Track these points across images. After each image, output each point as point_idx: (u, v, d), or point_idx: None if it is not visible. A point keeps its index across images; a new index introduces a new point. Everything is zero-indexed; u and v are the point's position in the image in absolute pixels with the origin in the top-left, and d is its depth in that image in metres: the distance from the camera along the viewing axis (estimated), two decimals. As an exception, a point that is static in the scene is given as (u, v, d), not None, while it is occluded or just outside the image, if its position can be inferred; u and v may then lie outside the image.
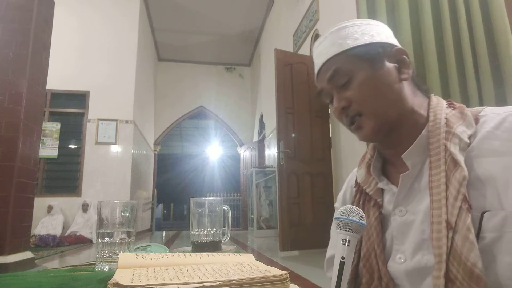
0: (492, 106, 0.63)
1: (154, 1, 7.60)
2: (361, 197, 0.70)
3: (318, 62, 0.70)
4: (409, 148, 0.61)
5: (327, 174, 4.33)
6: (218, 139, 14.36)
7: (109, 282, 0.40)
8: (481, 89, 2.16)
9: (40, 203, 5.36)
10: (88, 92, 6.59)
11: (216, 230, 0.85)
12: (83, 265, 0.74)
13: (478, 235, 0.51)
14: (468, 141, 0.57)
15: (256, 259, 0.58)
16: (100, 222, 0.69)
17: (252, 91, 10.15)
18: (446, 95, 2.32)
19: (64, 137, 6.41)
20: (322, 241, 4.16)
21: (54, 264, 3.62)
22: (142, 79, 7.57)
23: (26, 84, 2.91)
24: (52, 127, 6.28)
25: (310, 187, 4.21)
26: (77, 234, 5.68)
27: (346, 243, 0.51)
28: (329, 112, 4.49)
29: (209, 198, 0.89)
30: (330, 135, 4.44)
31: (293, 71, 4.40)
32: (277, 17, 7.31)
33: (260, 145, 8.80)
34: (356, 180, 0.74)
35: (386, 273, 0.61)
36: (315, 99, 4.44)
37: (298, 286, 0.45)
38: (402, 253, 0.60)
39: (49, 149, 6.16)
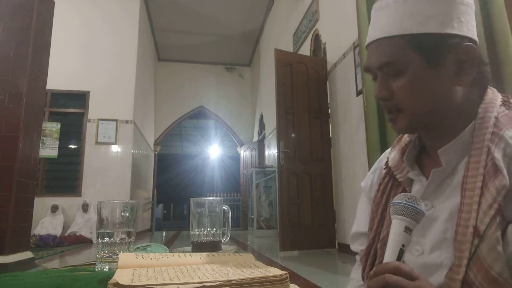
0: None
1: (154, 1, 7.60)
2: (390, 181, 0.68)
3: (373, 34, 0.63)
4: (448, 144, 0.58)
5: (327, 174, 4.33)
6: (218, 139, 14.35)
7: (109, 282, 0.40)
8: (481, 89, 2.16)
9: (40, 203, 5.36)
10: (88, 92, 6.59)
11: (216, 230, 0.85)
12: (83, 265, 0.74)
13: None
14: None
15: (256, 259, 0.58)
16: (100, 222, 0.69)
17: (252, 91, 10.16)
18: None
19: (64, 137, 6.40)
20: (321, 241, 4.16)
21: (54, 264, 3.62)
22: (142, 79, 7.57)
23: (26, 84, 2.91)
24: (52, 127, 6.28)
25: (310, 187, 4.21)
26: (77, 234, 5.68)
27: (409, 232, 0.51)
28: (329, 112, 4.49)
29: (209, 198, 0.89)
30: (330, 136, 4.45)
31: (293, 71, 4.40)
32: (277, 17, 7.31)
33: (260, 145, 8.80)
34: (387, 162, 0.71)
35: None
36: (314, 99, 4.44)
37: (298, 286, 0.45)
38: (420, 246, 0.59)
39: (49, 149, 6.16)
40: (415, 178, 0.64)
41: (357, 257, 0.79)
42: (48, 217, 5.77)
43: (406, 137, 0.69)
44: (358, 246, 0.77)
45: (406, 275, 0.46)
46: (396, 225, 0.51)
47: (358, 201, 0.81)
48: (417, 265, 0.58)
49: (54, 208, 5.83)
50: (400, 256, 0.50)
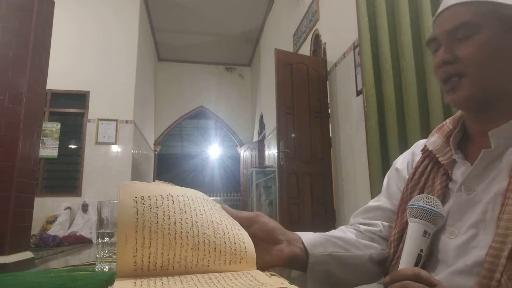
0: None
1: (154, 1, 7.60)
2: (430, 163, 0.67)
3: (449, 2, 0.60)
4: (501, 127, 0.57)
5: (327, 174, 4.33)
6: (218, 139, 14.36)
7: None
8: (481, 89, 2.16)
9: (40, 203, 5.36)
10: (88, 92, 6.59)
11: (216, 230, 0.85)
12: (83, 265, 0.74)
13: None
14: None
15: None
16: (100, 222, 0.69)
17: (252, 91, 10.15)
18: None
19: (64, 137, 6.40)
20: (322, 241, 4.16)
21: (54, 264, 3.62)
22: (142, 79, 7.57)
23: (26, 84, 2.92)
24: (52, 127, 6.28)
25: (310, 187, 4.21)
26: (77, 234, 5.68)
27: (427, 236, 0.48)
28: (329, 112, 4.49)
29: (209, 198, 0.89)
30: (330, 135, 4.45)
31: (293, 71, 4.40)
32: (277, 17, 7.31)
33: (260, 145, 8.80)
34: (425, 148, 0.70)
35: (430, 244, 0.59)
36: (314, 99, 4.44)
37: (297, 286, 0.45)
38: (456, 229, 0.58)
39: (49, 149, 6.16)
40: (460, 161, 0.63)
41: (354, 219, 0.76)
42: (62, 216, 5.84)
43: (449, 124, 0.68)
44: (364, 219, 0.74)
45: (426, 282, 0.44)
46: (414, 229, 0.49)
47: (386, 178, 0.78)
48: (452, 247, 0.57)
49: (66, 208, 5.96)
50: (418, 262, 0.48)
